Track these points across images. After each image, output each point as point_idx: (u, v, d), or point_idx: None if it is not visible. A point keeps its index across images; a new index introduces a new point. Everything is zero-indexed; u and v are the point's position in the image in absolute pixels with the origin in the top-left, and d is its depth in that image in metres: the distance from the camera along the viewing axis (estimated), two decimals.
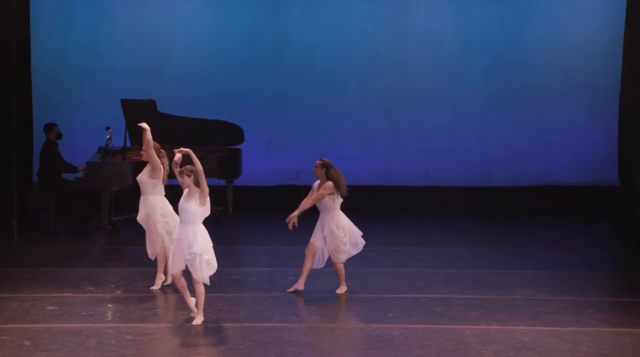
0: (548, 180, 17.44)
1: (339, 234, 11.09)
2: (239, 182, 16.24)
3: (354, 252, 11.30)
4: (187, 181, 9.83)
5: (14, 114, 13.89)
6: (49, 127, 15.84)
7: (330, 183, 11.06)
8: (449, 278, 12.10)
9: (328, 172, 11.10)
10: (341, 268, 11.28)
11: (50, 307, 10.55)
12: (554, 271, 12.61)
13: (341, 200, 11.18)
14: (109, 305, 10.82)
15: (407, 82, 17.41)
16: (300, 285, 11.20)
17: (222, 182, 16.03)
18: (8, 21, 13.72)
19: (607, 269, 13.01)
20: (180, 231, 9.85)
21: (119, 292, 11.26)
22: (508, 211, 16.96)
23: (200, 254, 9.70)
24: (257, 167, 16.05)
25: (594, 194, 17.12)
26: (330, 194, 11.05)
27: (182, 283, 9.94)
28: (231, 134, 16.09)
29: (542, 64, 17.35)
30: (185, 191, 9.87)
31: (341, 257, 11.21)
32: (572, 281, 12.05)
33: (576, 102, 17.42)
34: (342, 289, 11.30)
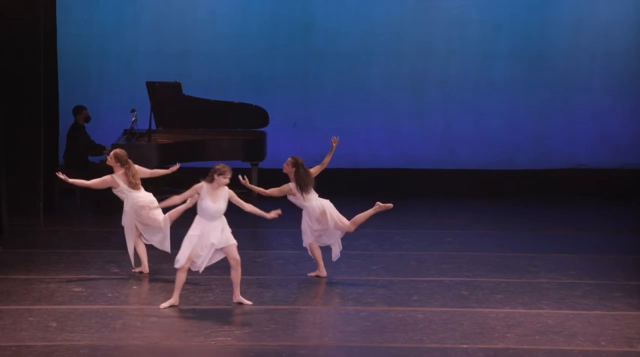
0: (574, 163, 17.34)
1: (312, 223, 11.08)
2: (263, 164, 16.24)
3: (326, 240, 11.22)
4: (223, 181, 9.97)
5: (41, 96, 13.93)
6: (78, 110, 15.89)
7: (287, 186, 11.06)
8: (474, 261, 12.08)
9: (298, 171, 11.07)
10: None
11: (76, 289, 10.61)
12: (580, 255, 12.56)
13: (311, 193, 11.11)
14: (134, 287, 10.86)
15: (432, 64, 17.32)
16: (321, 272, 11.22)
17: (247, 164, 16.04)
18: (35, 3, 13.75)
19: (635, 253, 12.92)
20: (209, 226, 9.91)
21: (144, 274, 11.30)
22: (534, 194, 16.88)
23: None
24: (282, 149, 16.02)
25: (621, 177, 17.01)
26: (289, 193, 11.06)
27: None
28: (256, 117, 16.08)
29: (568, 45, 17.22)
30: (212, 191, 9.90)
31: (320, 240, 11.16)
32: (598, 265, 11.99)
33: (603, 84, 17.28)
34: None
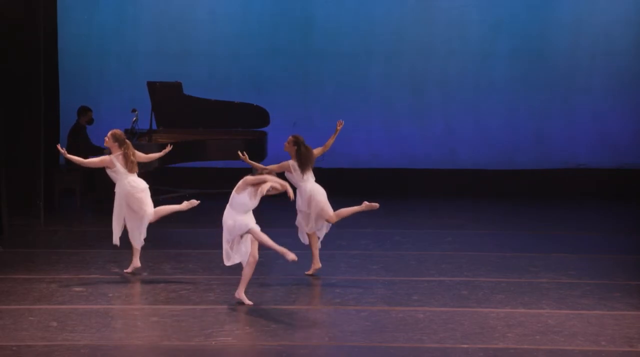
0: (574, 163, 17.34)
1: (302, 203, 11.14)
2: (263, 164, 16.22)
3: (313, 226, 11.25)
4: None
5: (41, 96, 13.94)
6: (84, 111, 15.90)
7: (287, 163, 11.15)
8: (474, 261, 12.08)
9: (299, 149, 11.12)
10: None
11: (76, 289, 10.61)
12: (580, 255, 12.56)
13: (309, 173, 11.16)
14: (135, 287, 10.86)
15: (432, 64, 17.33)
16: (316, 264, 11.24)
17: (247, 164, 16.02)
18: (35, 3, 13.76)
19: (635, 253, 12.92)
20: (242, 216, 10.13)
21: (145, 274, 11.31)
22: (533, 193, 16.89)
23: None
24: (282, 149, 16.04)
25: (621, 177, 17.02)
26: (287, 170, 11.15)
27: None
28: (257, 116, 16.09)
29: (568, 45, 17.23)
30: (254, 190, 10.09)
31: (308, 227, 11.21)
32: (598, 265, 12.00)
33: (603, 84, 17.29)
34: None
